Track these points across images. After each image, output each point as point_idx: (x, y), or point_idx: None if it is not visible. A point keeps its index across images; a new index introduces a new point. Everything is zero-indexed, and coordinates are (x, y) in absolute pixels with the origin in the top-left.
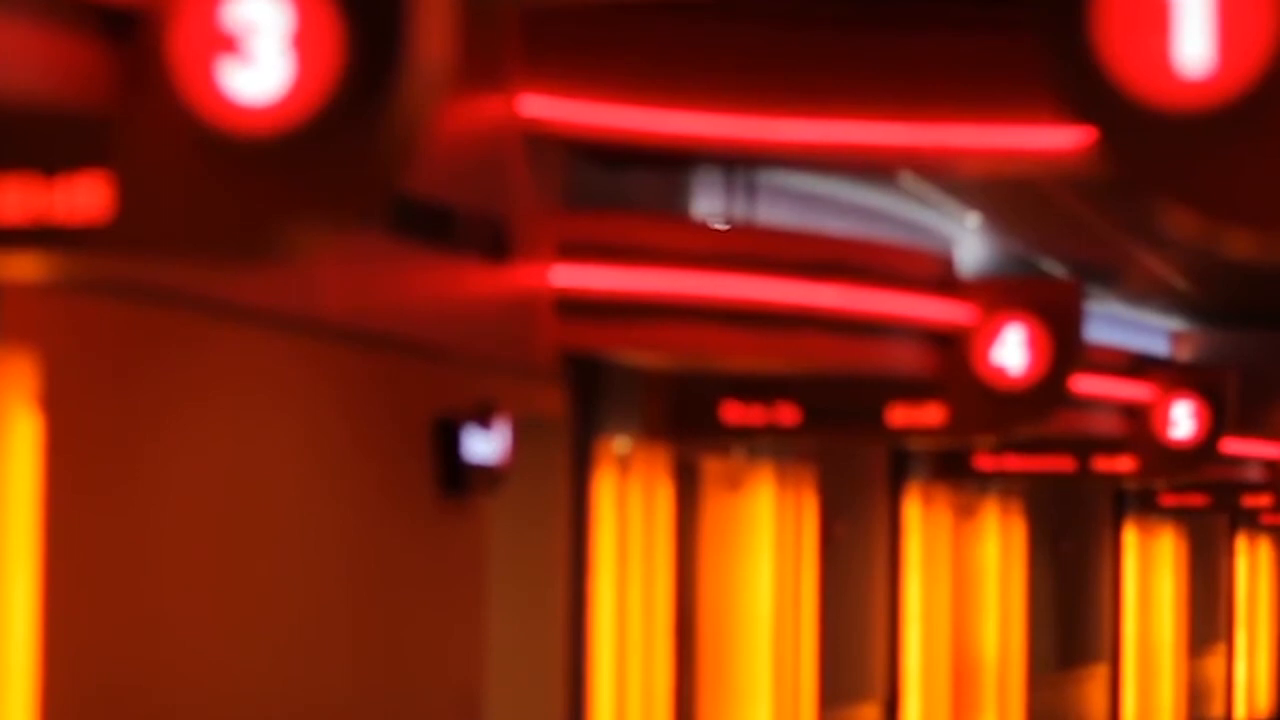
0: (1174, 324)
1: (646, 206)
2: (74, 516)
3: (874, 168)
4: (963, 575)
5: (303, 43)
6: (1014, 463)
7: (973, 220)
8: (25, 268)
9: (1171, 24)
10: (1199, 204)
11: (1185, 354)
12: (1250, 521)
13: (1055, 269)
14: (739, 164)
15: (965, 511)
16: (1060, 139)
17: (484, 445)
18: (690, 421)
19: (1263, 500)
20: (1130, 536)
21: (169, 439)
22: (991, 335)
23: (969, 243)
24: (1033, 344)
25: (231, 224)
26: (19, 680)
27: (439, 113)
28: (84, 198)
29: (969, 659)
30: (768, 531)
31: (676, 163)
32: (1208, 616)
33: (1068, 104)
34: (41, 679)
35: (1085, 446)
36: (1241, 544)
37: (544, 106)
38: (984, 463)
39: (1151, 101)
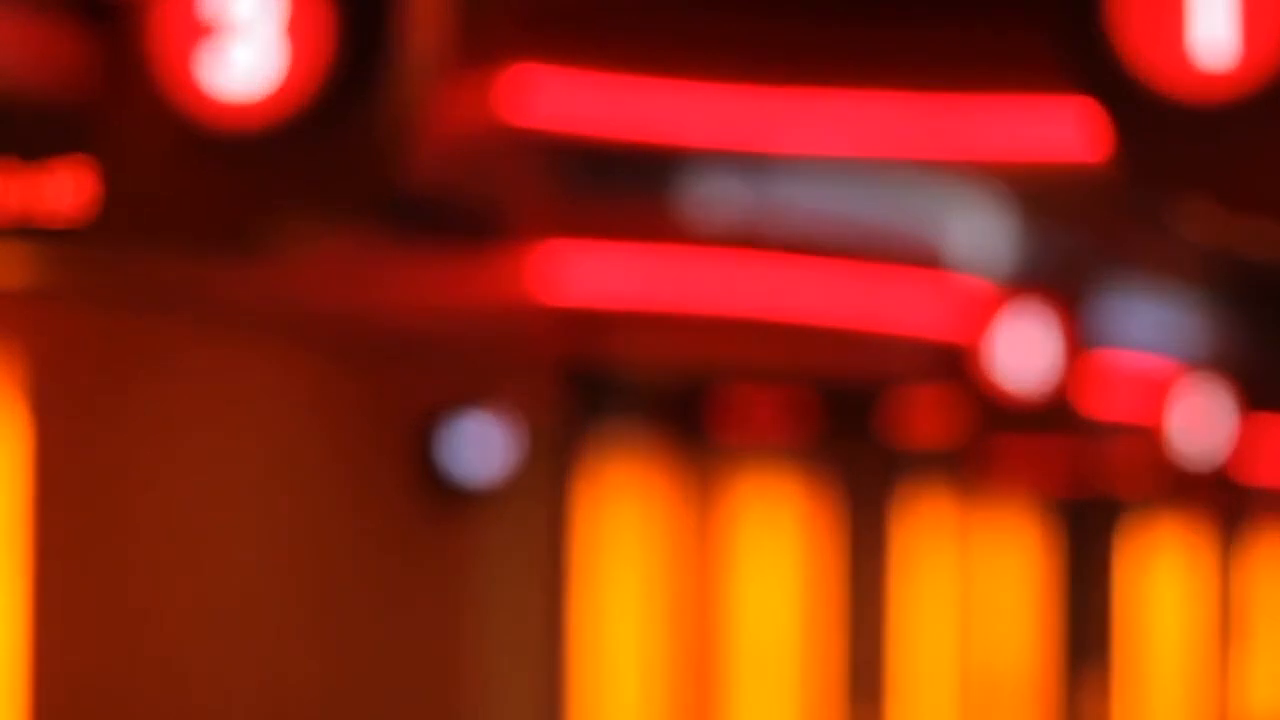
0: (1186, 324)
1: (644, 204)
2: (59, 521)
3: (878, 165)
4: (970, 582)
5: (291, 31)
6: (1021, 466)
7: (980, 219)
8: (6, 266)
9: (1190, 13)
10: (1216, 198)
11: (1195, 354)
12: (1260, 526)
13: (1063, 269)
14: (740, 161)
15: (971, 517)
16: (1072, 134)
17: (479, 448)
18: (691, 424)
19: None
20: (1142, 541)
21: (154, 443)
22: (998, 336)
23: (976, 242)
24: (1040, 345)
25: (218, 218)
26: (6, 683)
27: (433, 105)
28: (66, 191)
29: (977, 668)
30: (769, 535)
31: (675, 161)
32: (1219, 622)
33: (1081, 96)
34: (28, 683)
35: (1094, 449)
36: (1250, 549)
37: (542, 101)
38: (990, 466)
39: (1169, 92)
